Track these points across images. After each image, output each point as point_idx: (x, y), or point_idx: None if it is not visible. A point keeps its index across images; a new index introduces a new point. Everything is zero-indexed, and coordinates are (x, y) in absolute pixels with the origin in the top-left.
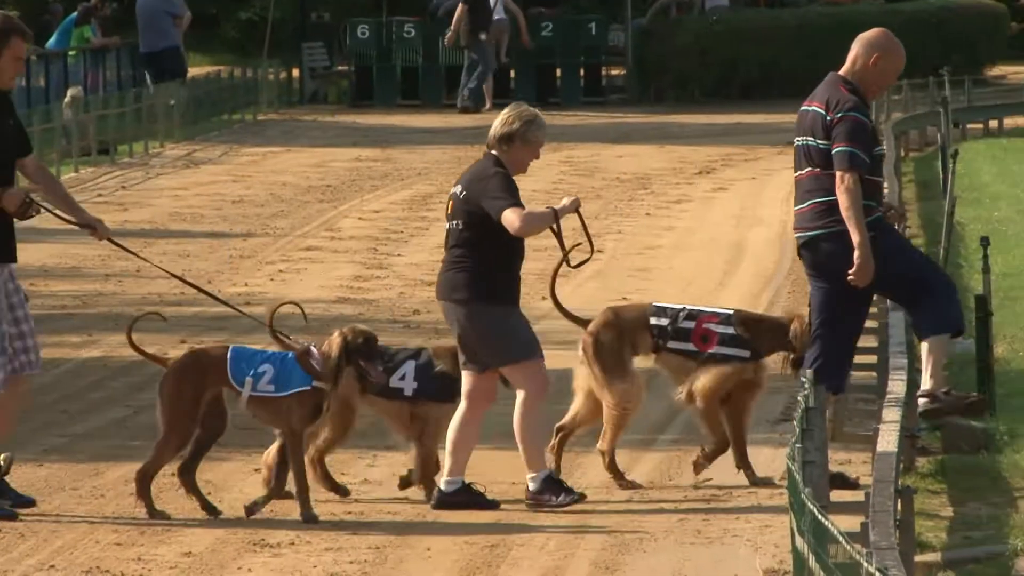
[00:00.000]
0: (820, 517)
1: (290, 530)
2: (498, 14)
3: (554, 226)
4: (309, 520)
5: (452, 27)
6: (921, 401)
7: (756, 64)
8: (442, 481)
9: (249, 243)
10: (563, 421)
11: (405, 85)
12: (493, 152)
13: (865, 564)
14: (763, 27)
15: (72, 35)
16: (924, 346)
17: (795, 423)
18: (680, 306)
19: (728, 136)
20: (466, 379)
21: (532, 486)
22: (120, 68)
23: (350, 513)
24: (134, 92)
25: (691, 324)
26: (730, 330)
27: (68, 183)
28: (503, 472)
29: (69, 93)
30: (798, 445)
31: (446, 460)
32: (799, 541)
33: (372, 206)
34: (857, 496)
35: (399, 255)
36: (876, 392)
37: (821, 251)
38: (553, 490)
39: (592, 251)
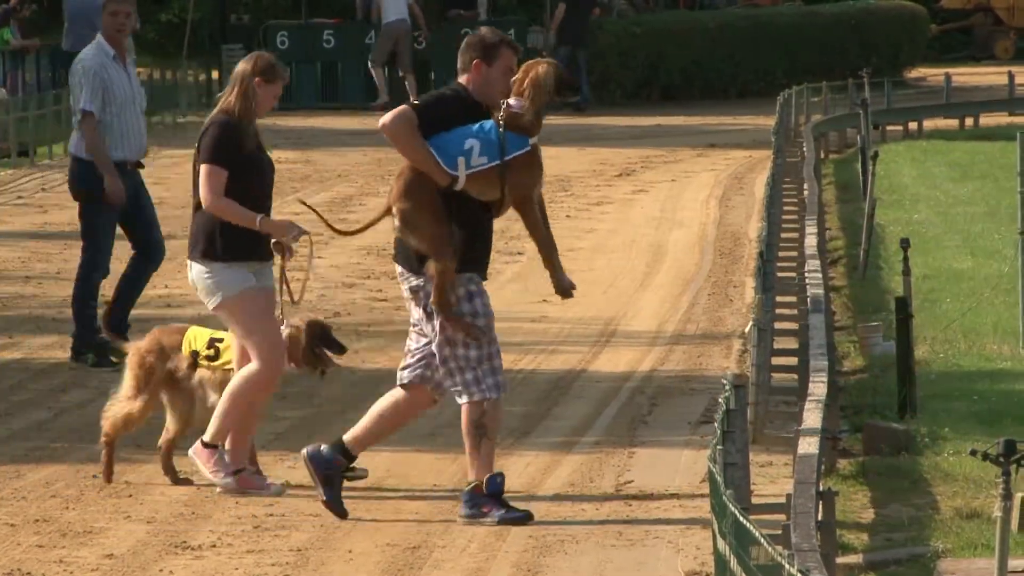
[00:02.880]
0: (742, 519)
1: (212, 532)
2: (398, 15)
3: None
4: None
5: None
6: None
7: (676, 66)
8: None
9: (170, 245)
10: None
11: (325, 87)
12: None
13: (787, 566)
14: (683, 29)
15: None
16: None
17: (716, 425)
18: None
19: (648, 138)
20: None
21: None
22: (40, 70)
23: (272, 515)
24: (54, 94)
25: None
26: None
27: None
28: (425, 475)
29: None
30: (720, 447)
31: None
32: (721, 543)
33: (292, 208)
34: (778, 498)
35: (320, 257)
36: (797, 394)
37: None
38: None
39: None
